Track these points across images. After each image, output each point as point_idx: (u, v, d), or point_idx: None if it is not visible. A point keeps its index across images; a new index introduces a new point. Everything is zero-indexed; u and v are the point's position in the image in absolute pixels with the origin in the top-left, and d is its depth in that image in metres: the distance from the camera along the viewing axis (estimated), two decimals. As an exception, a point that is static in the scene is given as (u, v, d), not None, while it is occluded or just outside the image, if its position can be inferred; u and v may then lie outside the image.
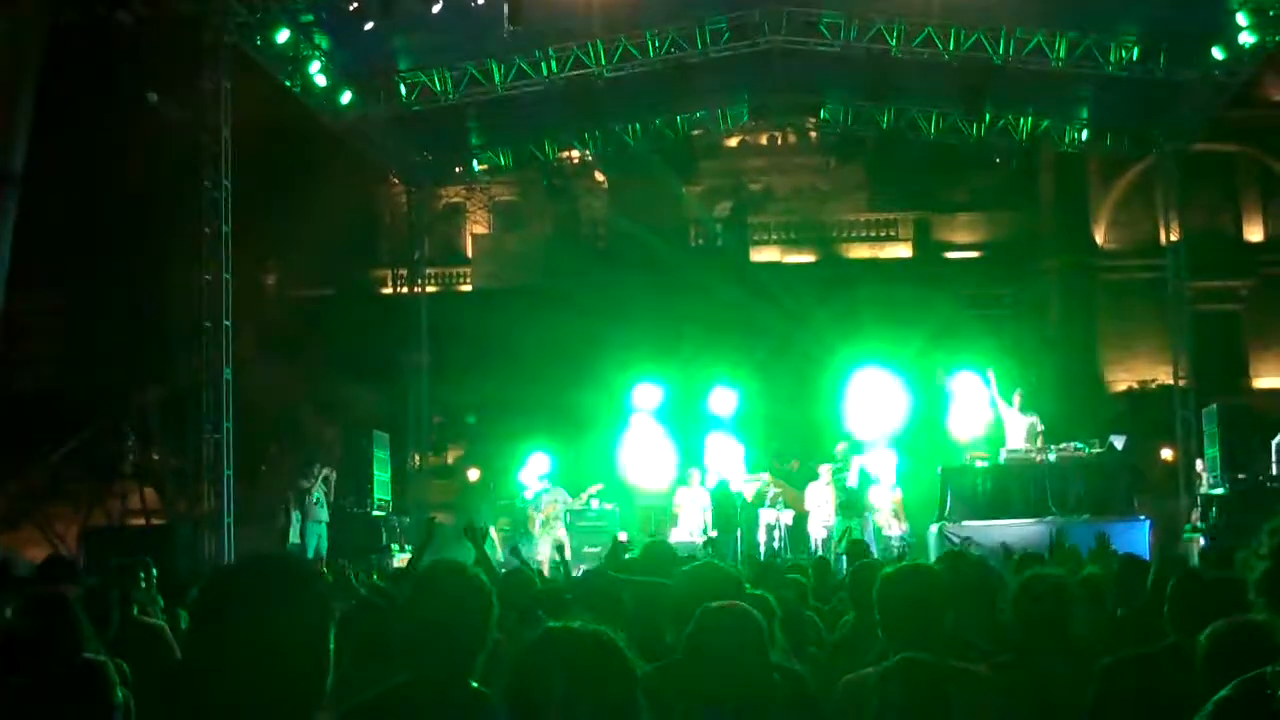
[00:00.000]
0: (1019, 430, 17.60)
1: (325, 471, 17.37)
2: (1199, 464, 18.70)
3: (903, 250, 33.07)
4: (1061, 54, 18.07)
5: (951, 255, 32.61)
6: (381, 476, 19.19)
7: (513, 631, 4.58)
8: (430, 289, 24.90)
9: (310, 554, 16.00)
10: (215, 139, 15.71)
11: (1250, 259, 31.17)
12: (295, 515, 16.70)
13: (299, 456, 19.45)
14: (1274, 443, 16.98)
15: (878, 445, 18.87)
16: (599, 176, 32.75)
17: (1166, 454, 22.82)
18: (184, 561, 14.20)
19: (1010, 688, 4.17)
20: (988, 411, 18.42)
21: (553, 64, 18.70)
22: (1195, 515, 17.97)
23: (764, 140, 33.79)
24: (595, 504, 19.13)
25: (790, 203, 34.04)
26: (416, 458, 22.62)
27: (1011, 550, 9.48)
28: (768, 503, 18.21)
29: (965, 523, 16.32)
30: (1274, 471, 16.83)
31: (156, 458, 23.87)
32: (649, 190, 29.81)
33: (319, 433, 23.74)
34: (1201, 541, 16.50)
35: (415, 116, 19.61)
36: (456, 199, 33.00)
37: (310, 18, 16.87)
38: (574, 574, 9.54)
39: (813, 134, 30.96)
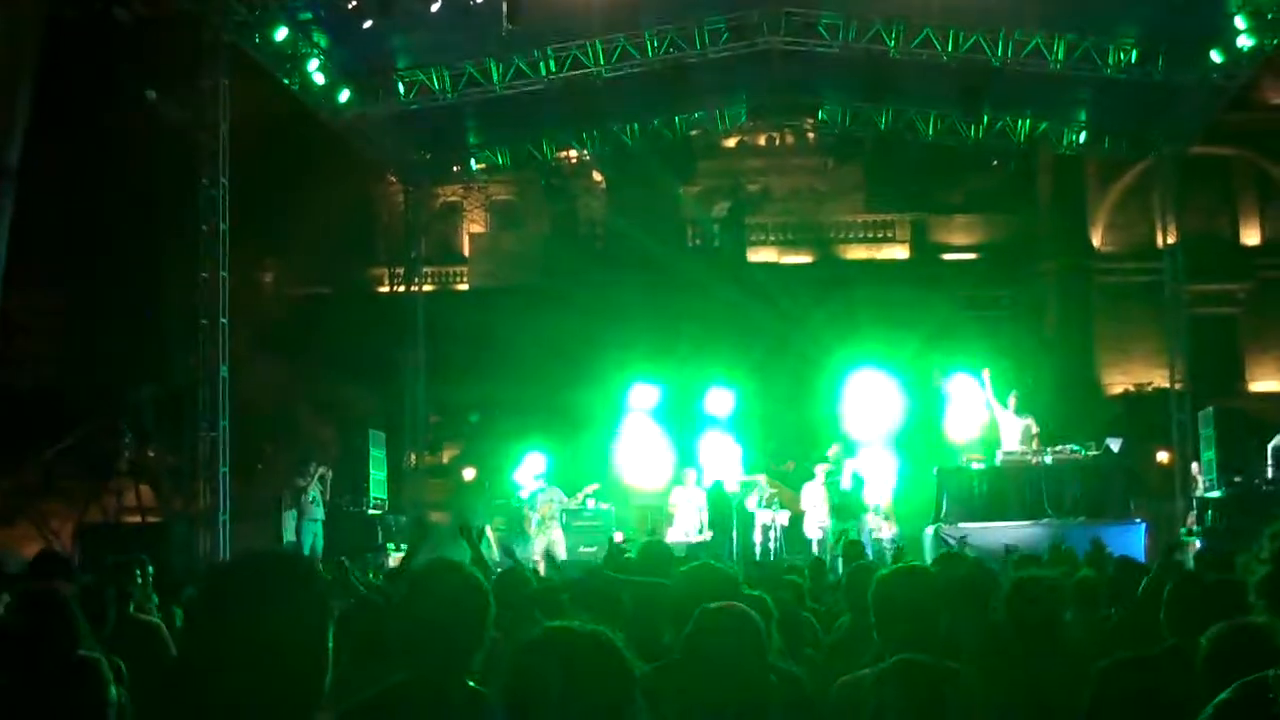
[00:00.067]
0: (1014, 432, 17.62)
1: (321, 470, 17.36)
2: (1195, 467, 18.67)
3: (900, 251, 33.09)
4: (1060, 56, 18.06)
5: (949, 257, 32.64)
6: (377, 475, 19.18)
7: (509, 630, 4.58)
8: (427, 288, 24.84)
9: (306, 552, 15.97)
10: (213, 137, 15.70)
11: (1247, 262, 31.18)
12: (290, 513, 16.69)
13: (295, 454, 19.40)
14: (1270, 446, 16.94)
15: (873, 447, 18.87)
16: (597, 176, 32.73)
17: (1163, 457, 22.80)
18: (180, 559, 14.22)
19: (1004, 689, 4.17)
20: (983, 413, 18.44)
21: (551, 63, 18.69)
22: (1191, 518, 17.96)
23: (762, 141, 33.81)
24: (591, 504, 19.11)
25: (788, 203, 34.03)
26: (412, 456, 22.58)
27: (1012, 550, 9.50)
28: (763, 503, 18.21)
29: (961, 524, 16.32)
30: (1270, 475, 16.78)
31: (153, 455, 23.79)
32: (647, 190, 29.76)
33: (315, 431, 23.68)
34: (1197, 545, 16.48)
35: (413, 115, 19.60)
36: (454, 198, 33.00)
37: (309, 16, 16.84)
38: (565, 573, 9.55)
39: (810, 135, 30.98)
